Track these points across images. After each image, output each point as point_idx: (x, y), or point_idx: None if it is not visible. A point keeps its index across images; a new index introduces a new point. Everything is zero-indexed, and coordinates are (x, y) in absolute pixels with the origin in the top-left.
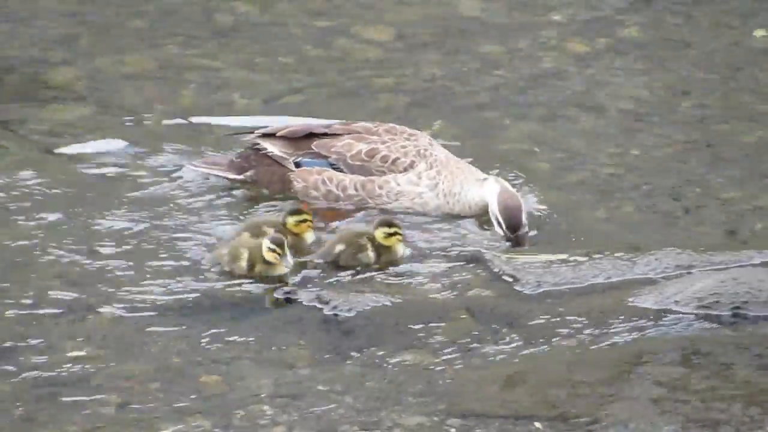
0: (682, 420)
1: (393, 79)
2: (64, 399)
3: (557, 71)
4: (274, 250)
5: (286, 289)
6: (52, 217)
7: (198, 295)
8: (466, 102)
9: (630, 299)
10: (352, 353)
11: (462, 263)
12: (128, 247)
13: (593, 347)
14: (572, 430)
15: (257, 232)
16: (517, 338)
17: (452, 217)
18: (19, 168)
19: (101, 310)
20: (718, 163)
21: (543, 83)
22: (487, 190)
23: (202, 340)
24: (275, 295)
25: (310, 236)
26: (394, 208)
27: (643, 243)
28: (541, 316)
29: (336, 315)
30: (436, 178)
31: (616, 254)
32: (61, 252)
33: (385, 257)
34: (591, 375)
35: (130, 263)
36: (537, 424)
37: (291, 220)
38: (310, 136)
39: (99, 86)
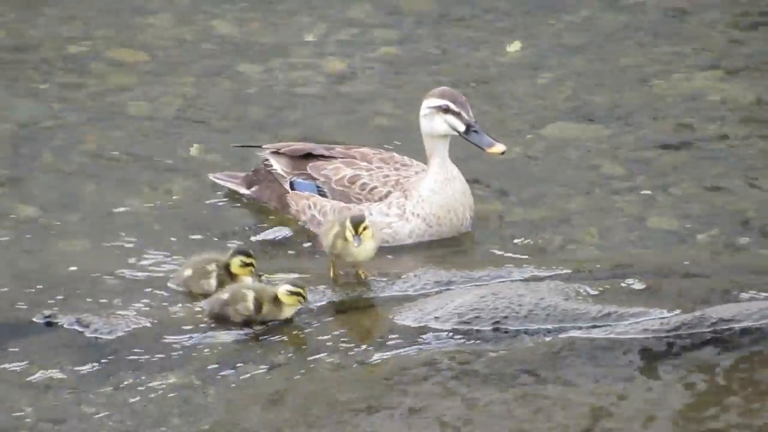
0: None
1: (147, 103)
2: None
3: (314, 90)
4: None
5: (47, 312)
6: None
7: None
8: (223, 124)
9: (390, 316)
10: (114, 375)
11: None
12: None
13: (353, 365)
14: None
15: (201, 270)
16: (278, 357)
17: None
18: None
19: None
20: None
21: (299, 101)
22: (429, 167)
23: None
24: (35, 319)
25: (248, 281)
26: None
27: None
28: (301, 335)
29: (97, 338)
30: (405, 205)
31: (377, 273)
32: None
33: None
34: (350, 393)
35: None
36: None
37: (236, 261)
38: (309, 156)
39: None
